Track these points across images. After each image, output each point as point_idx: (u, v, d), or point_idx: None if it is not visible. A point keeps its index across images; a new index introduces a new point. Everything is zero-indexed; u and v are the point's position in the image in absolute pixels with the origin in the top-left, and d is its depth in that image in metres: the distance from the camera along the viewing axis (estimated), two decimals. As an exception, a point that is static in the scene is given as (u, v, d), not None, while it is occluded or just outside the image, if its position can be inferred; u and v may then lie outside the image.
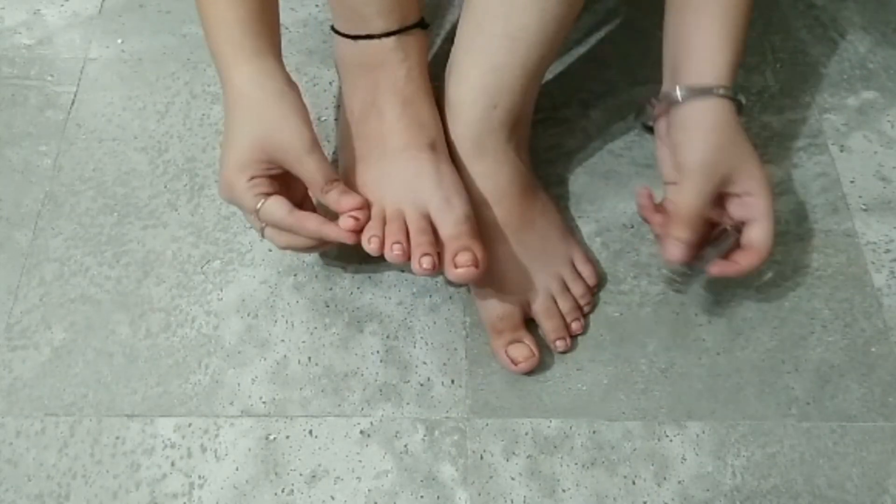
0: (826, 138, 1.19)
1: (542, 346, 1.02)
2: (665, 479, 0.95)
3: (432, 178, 0.96)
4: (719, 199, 0.97)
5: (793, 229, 1.10)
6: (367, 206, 0.94)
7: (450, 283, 1.04)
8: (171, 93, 1.20)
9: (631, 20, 1.30)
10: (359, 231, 0.93)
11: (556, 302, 1.02)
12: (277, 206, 0.91)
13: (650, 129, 1.07)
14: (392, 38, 0.97)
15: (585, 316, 1.05)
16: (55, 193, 1.10)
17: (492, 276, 0.99)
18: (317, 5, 1.30)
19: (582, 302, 1.04)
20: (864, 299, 1.06)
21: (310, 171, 0.91)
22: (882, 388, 1.00)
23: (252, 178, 0.90)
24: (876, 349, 1.03)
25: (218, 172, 0.94)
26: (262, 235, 0.94)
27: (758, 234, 0.96)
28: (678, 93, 0.95)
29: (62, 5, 1.29)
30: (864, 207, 1.13)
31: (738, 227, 0.98)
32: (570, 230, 1.08)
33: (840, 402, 0.99)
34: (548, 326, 1.02)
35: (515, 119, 1.00)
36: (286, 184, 0.94)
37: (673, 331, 1.03)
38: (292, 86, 0.94)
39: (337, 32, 1.01)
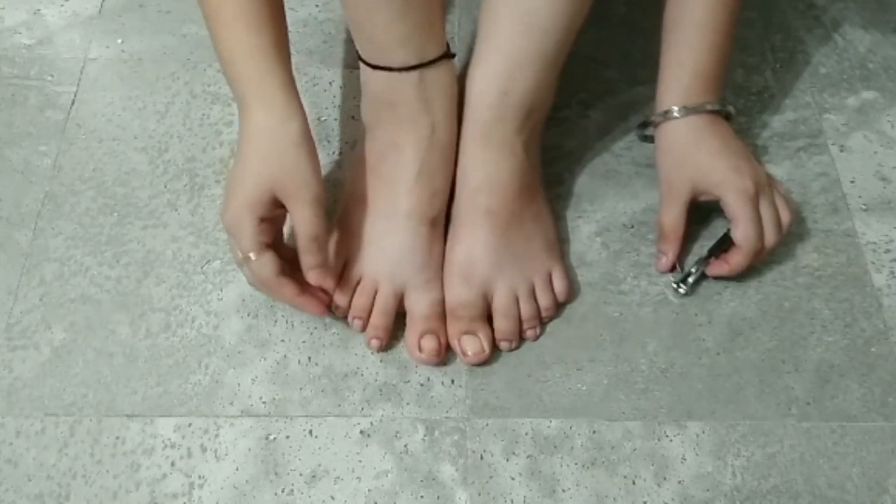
0: (826, 138, 1.19)
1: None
2: (665, 479, 0.94)
3: (421, 258, 0.99)
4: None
5: (793, 229, 1.10)
6: (331, 281, 0.99)
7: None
8: (171, 93, 1.20)
9: (631, 20, 1.30)
10: (324, 307, 0.98)
11: (518, 304, 1.01)
12: (268, 266, 0.93)
13: (650, 139, 1.11)
14: (414, 74, 0.95)
15: (543, 325, 1.04)
16: (55, 193, 1.10)
17: (466, 262, 0.99)
18: (317, 5, 1.30)
19: (544, 314, 1.03)
20: (864, 299, 1.06)
21: (303, 221, 0.92)
22: (882, 388, 1.00)
23: (261, 221, 0.91)
24: (876, 349, 1.03)
25: (225, 195, 0.94)
26: (238, 267, 0.97)
27: (738, 235, 1.03)
28: (676, 112, 1.04)
29: (62, 5, 1.29)
30: (864, 207, 1.13)
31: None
32: (557, 243, 1.07)
33: (840, 402, 0.99)
34: (500, 325, 1.01)
35: (528, 109, 0.99)
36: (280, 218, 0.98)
37: (673, 331, 1.03)
38: (305, 123, 0.94)
39: (359, 57, 0.99)
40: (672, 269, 1.06)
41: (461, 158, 1.01)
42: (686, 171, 1.04)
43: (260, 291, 1.00)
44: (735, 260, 1.03)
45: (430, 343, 0.99)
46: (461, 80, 1.00)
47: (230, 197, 0.92)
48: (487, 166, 0.99)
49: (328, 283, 0.96)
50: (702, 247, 1.08)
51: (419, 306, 1.00)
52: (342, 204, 1.06)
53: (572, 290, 1.06)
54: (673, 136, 1.05)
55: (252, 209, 0.91)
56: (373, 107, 1.00)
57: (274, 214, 0.93)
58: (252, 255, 0.92)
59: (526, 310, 1.01)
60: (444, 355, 1.00)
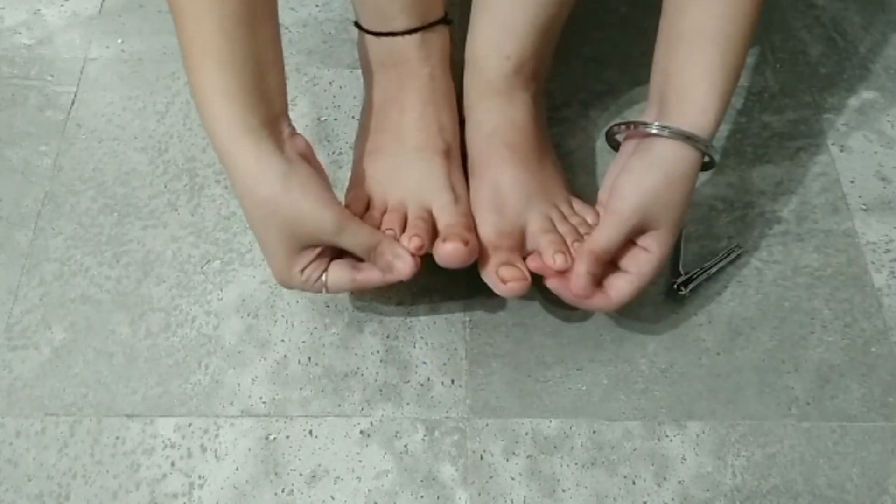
0: (826, 138, 1.19)
1: (531, 334, 1.02)
2: (665, 479, 0.94)
3: (442, 179, 0.98)
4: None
5: (792, 229, 1.10)
6: (421, 252, 0.92)
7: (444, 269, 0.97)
8: (172, 93, 1.20)
9: (631, 20, 1.30)
10: (414, 265, 0.91)
11: (554, 224, 0.99)
12: (341, 278, 0.92)
13: (615, 146, 1.00)
14: (415, 36, 0.99)
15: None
16: (55, 193, 1.10)
17: (495, 195, 0.98)
18: (316, 5, 1.30)
19: (581, 230, 0.99)
20: (864, 299, 1.06)
21: (350, 245, 0.90)
22: (882, 388, 1.00)
23: (302, 270, 0.90)
24: (876, 349, 1.03)
25: (269, 263, 0.92)
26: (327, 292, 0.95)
27: (620, 285, 0.94)
28: (655, 128, 0.90)
29: (62, 5, 1.29)
30: (864, 207, 1.13)
31: (740, 246, 0.99)
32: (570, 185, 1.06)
33: (840, 402, 0.99)
34: (545, 241, 0.96)
35: (530, 72, 1.00)
36: None
37: (673, 331, 1.03)
38: (295, 151, 0.88)
39: (360, 28, 1.02)
40: (588, 293, 0.94)
41: (471, 115, 1.02)
42: (653, 208, 0.91)
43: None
44: (601, 301, 0.94)
45: (454, 236, 0.93)
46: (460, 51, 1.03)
47: (269, 262, 0.92)
48: (500, 112, 1.00)
49: (414, 266, 0.91)
50: (702, 247, 1.08)
51: (444, 218, 0.96)
52: (355, 158, 1.05)
53: (598, 214, 1.00)
54: (669, 164, 0.91)
55: (291, 269, 0.90)
56: (375, 69, 1.03)
57: (314, 255, 0.90)
58: (324, 292, 0.93)
59: (563, 227, 0.99)
60: (475, 252, 0.94)
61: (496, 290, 0.95)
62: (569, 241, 0.97)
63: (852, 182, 1.15)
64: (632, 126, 0.93)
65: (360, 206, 0.97)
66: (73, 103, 1.18)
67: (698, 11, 0.89)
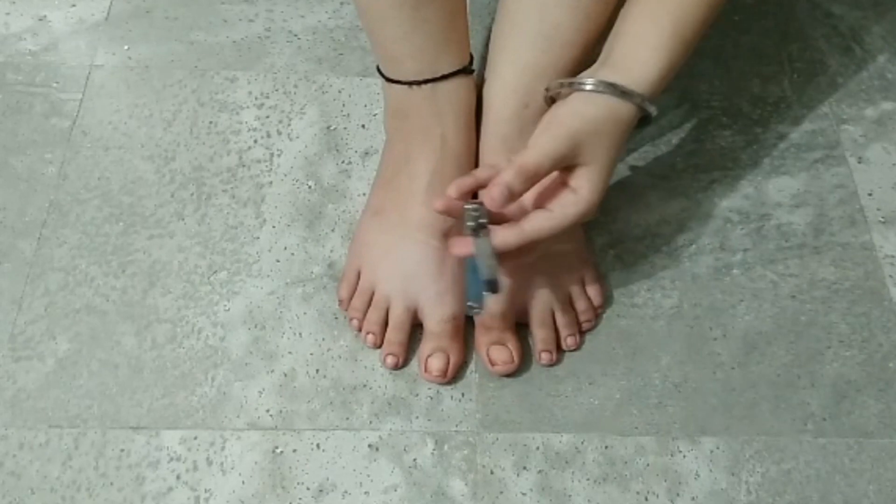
0: (844, 150, 1.18)
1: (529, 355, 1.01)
2: (678, 495, 0.94)
3: (433, 270, 0.98)
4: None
5: (810, 242, 1.09)
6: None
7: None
8: (179, 100, 1.19)
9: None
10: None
11: (553, 315, 1.01)
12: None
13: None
14: (425, 88, 0.95)
15: (583, 333, 1.03)
16: (60, 202, 1.09)
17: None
18: (326, 12, 1.30)
19: (582, 318, 1.03)
20: (881, 314, 1.05)
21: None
22: (900, 404, 1.00)
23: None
24: (893, 364, 1.02)
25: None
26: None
27: (537, 219, 0.88)
28: (589, 84, 0.87)
29: (68, 12, 1.29)
30: (882, 220, 1.12)
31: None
32: (587, 245, 1.06)
33: (857, 418, 0.99)
34: (539, 335, 1.01)
35: (544, 111, 0.97)
36: None
37: (687, 344, 1.02)
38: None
39: (377, 67, 0.99)
40: (503, 207, 0.89)
41: (481, 157, 1.00)
42: (592, 142, 0.87)
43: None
44: (511, 232, 0.89)
45: (436, 362, 0.98)
46: (478, 89, 1.00)
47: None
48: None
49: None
50: (717, 259, 1.07)
51: (430, 322, 1.00)
52: (362, 214, 1.06)
53: (605, 292, 1.05)
54: (605, 111, 0.88)
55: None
56: (389, 117, 1.00)
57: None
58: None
59: (563, 318, 1.01)
60: (454, 374, 0.99)
61: (487, 367, 1.00)
62: (564, 334, 1.01)
63: (870, 194, 1.14)
64: (569, 85, 0.90)
65: (353, 277, 1.03)
66: (78, 111, 1.17)
67: None
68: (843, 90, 1.25)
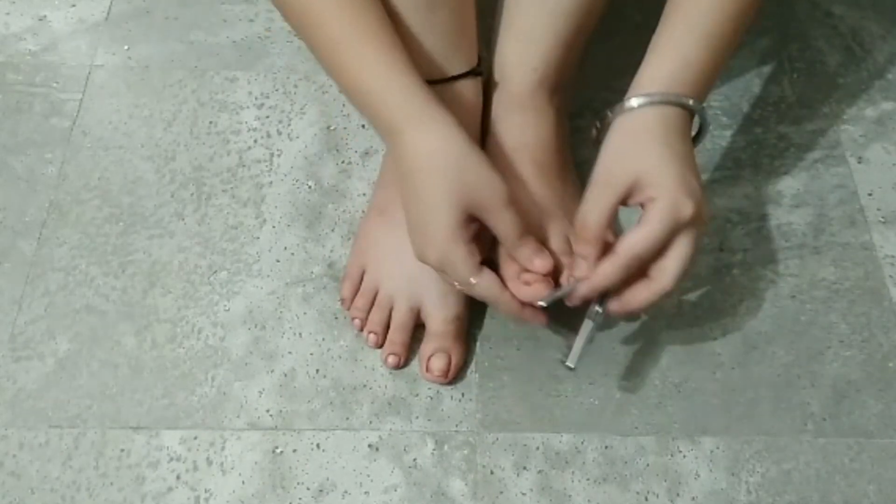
0: (844, 149, 1.18)
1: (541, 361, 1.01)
2: (678, 495, 0.94)
3: (435, 272, 0.95)
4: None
5: (809, 242, 1.09)
6: (553, 270, 0.91)
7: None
8: (179, 100, 1.19)
9: (646, 29, 1.28)
10: (546, 319, 0.92)
11: (570, 245, 0.95)
12: (493, 285, 0.89)
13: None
14: (435, 88, 0.92)
15: None
16: (60, 202, 1.09)
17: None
18: (326, 13, 1.30)
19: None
20: (881, 314, 1.05)
21: (505, 226, 0.88)
22: (900, 404, 1.00)
23: (468, 244, 0.87)
24: (893, 364, 1.02)
25: (415, 235, 0.89)
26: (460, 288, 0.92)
27: (638, 294, 0.88)
28: (622, 104, 0.88)
29: (68, 11, 1.28)
30: (882, 220, 1.12)
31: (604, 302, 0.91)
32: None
33: (857, 418, 0.99)
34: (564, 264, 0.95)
35: (555, 84, 0.99)
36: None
37: (687, 345, 1.02)
38: (461, 127, 0.88)
39: None
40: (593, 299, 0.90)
41: (494, 128, 1.00)
42: (630, 162, 0.86)
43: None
44: (640, 296, 0.88)
45: (437, 362, 0.98)
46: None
47: (427, 234, 0.88)
48: (526, 128, 0.99)
49: (549, 265, 0.91)
50: (717, 259, 1.07)
51: (432, 322, 1.00)
52: (366, 213, 1.06)
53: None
54: (626, 125, 0.88)
55: (457, 238, 0.86)
56: None
57: (474, 232, 0.88)
58: (473, 280, 0.88)
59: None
60: (455, 375, 0.99)
61: (519, 295, 0.92)
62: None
63: (870, 194, 1.14)
64: (608, 114, 0.90)
65: (356, 276, 1.03)
66: (78, 111, 1.17)
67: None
68: (844, 90, 1.24)
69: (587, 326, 0.90)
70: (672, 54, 0.88)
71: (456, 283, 0.90)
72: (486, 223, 0.88)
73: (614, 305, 0.89)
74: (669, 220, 0.83)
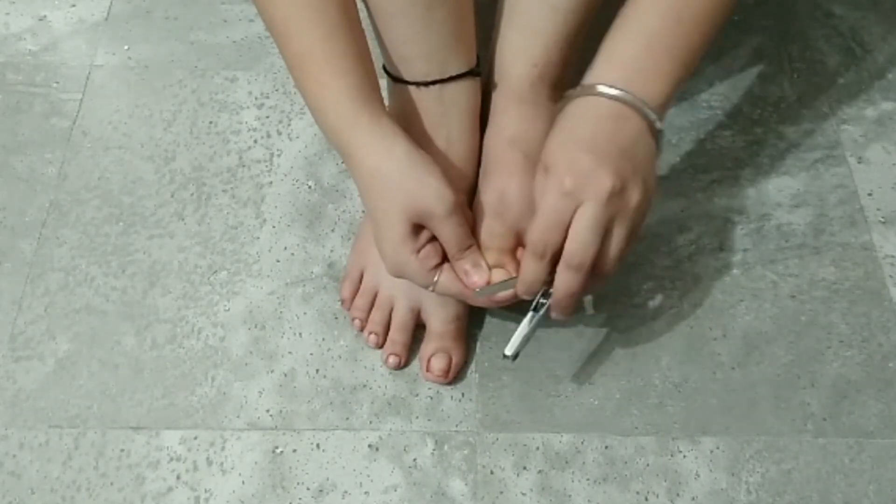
0: (844, 150, 1.18)
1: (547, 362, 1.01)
2: (678, 495, 0.94)
3: None
4: None
5: (809, 242, 1.09)
6: (486, 276, 0.92)
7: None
8: (179, 100, 1.19)
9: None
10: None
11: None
12: (453, 284, 0.91)
13: None
14: (434, 88, 0.94)
15: None
16: (60, 202, 1.09)
17: (499, 200, 0.96)
18: (326, 12, 1.30)
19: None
20: (881, 314, 1.05)
21: (447, 235, 0.89)
22: (900, 404, 1.00)
23: (418, 251, 0.89)
24: (894, 364, 1.02)
25: (380, 252, 0.91)
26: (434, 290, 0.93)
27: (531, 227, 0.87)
28: (567, 94, 0.89)
29: (68, 11, 1.28)
30: (882, 220, 1.12)
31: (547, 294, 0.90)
32: None
33: (857, 418, 0.98)
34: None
35: (555, 80, 0.98)
36: None
37: (687, 345, 1.02)
38: (407, 138, 0.89)
39: (383, 66, 0.97)
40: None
41: (494, 118, 1.00)
42: (544, 152, 0.88)
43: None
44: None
45: (438, 362, 0.99)
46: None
47: (382, 248, 0.90)
48: (523, 121, 0.98)
49: (483, 280, 0.91)
50: (717, 259, 1.07)
51: (433, 322, 1.00)
52: (365, 213, 1.06)
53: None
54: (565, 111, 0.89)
55: (406, 248, 0.88)
56: (394, 117, 0.99)
57: (427, 239, 0.90)
58: (429, 286, 0.91)
59: None
60: (455, 375, 1.00)
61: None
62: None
63: (870, 194, 1.14)
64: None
65: (356, 276, 1.03)
66: (78, 111, 1.17)
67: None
68: (843, 90, 1.24)
69: (528, 317, 0.90)
70: (631, 54, 0.88)
71: (420, 285, 0.92)
72: (431, 231, 0.89)
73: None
74: (554, 198, 0.83)
